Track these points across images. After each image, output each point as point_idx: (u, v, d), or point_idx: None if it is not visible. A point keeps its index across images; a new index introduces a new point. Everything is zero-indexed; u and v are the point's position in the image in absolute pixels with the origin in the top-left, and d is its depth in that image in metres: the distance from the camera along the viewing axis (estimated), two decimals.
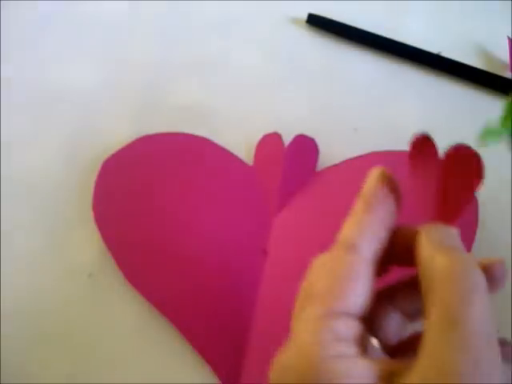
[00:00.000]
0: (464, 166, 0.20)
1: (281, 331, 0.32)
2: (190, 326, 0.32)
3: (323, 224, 0.37)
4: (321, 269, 0.20)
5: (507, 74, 0.49)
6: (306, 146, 0.42)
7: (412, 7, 0.55)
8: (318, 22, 0.52)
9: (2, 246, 0.36)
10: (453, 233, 0.20)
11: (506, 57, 0.50)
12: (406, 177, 0.40)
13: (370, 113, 0.45)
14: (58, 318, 0.33)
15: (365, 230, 0.20)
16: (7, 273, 0.35)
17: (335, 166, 0.41)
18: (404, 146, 0.42)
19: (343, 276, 0.19)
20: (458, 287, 0.17)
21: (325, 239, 0.36)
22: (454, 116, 0.46)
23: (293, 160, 0.40)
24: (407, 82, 0.48)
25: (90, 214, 0.37)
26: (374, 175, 0.22)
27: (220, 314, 0.33)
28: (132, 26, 0.51)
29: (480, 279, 0.18)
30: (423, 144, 0.21)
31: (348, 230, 0.21)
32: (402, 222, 0.22)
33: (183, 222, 0.37)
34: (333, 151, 0.42)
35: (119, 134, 0.42)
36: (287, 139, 0.42)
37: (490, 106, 0.46)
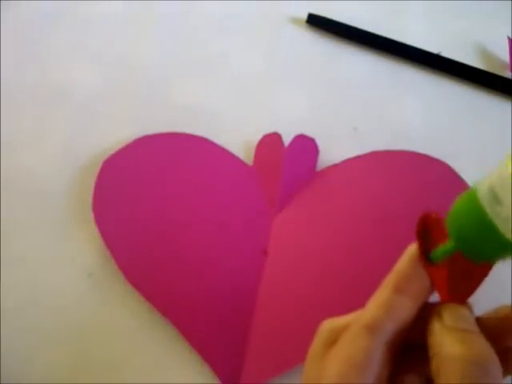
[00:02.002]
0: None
1: (280, 331, 0.32)
2: (190, 325, 0.32)
3: (323, 224, 0.37)
4: (338, 351, 0.20)
5: (507, 74, 0.49)
6: (305, 146, 0.42)
7: (412, 7, 0.55)
8: (317, 22, 0.52)
9: (2, 246, 0.36)
10: (465, 314, 0.20)
11: (506, 57, 0.50)
12: (405, 177, 0.40)
13: (370, 113, 0.45)
14: (58, 317, 0.33)
15: (390, 313, 0.20)
16: (7, 273, 0.35)
17: (335, 165, 0.41)
18: (404, 145, 0.42)
19: (357, 365, 0.19)
20: (466, 376, 0.17)
21: (325, 239, 0.36)
22: (454, 116, 0.46)
23: (293, 160, 0.40)
24: (407, 82, 0.48)
25: (90, 214, 0.37)
26: (407, 253, 0.21)
27: (220, 314, 0.33)
28: (132, 26, 0.51)
29: (490, 363, 0.18)
30: (429, 222, 0.21)
31: (372, 309, 0.20)
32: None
33: (183, 221, 0.37)
34: (333, 151, 0.42)
35: (119, 134, 0.42)
36: (287, 139, 0.42)
37: (490, 106, 0.47)
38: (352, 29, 0.51)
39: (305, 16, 0.52)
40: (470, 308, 0.20)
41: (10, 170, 0.40)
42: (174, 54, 0.49)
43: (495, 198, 0.17)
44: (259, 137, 0.42)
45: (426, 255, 0.20)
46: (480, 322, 0.20)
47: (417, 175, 0.40)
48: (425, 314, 0.20)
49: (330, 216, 0.37)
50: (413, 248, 0.21)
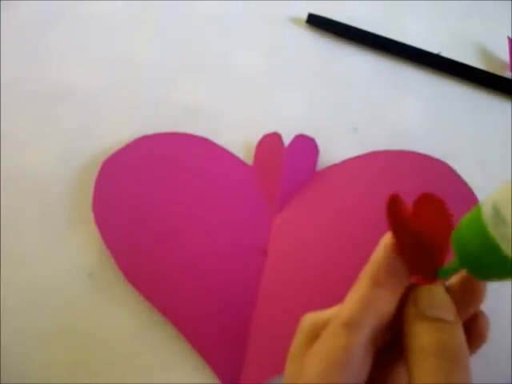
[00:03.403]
0: (434, 214, 0.20)
1: (280, 331, 0.32)
2: (190, 326, 0.32)
3: (323, 224, 0.37)
4: (318, 349, 0.19)
5: (507, 74, 0.49)
6: (305, 146, 0.42)
7: (412, 7, 0.55)
8: (317, 22, 0.52)
9: (2, 246, 0.36)
10: (438, 296, 0.19)
11: (506, 57, 0.50)
12: (405, 177, 0.40)
13: (370, 113, 0.45)
14: (58, 317, 0.33)
15: (369, 308, 0.19)
16: (7, 273, 0.35)
17: (335, 165, 0.41)
18: (404, 145, 0.42)
19: (337, 363, 0.19)
20: (440, 363, 0.18)
21: (325, 239, 0.36)
22: (454, 116, 0.46)
23: (293, 160, 0.40)
24: (407, 82, 0.48)
25: (90, 214, 0.37)
26: (382, 245, 0.20)
27: (220, 314, 0.33)
28: (132, 26, 0.51)
29: (462, 356, 0.18)
30: (396, 204, 0.21)
31: (350, 306, 0.20)
32: None
33: (183, 221, 0.37)
34: (333, 151, 0.42)
35: (119, 134, 0.42)
36: (287, 139, 0.42)
37: (490, 106, 0.47)
38: (352, 29, 0.51)
39: (305, 16, 0.52)
40: (443, 286, 0.20)
41: (10, 170, 0.40)
42: (174, 54, 0.49)
43: (498, 217, 0.17)
44: (259, 137, 0.42)
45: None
46: (449, 291, 0.20)
47: (417, 175, 0.40)
48: (404, 302, 0.20)
49: (329, 216, 0.37)
50: (387, 238, 0.20)
